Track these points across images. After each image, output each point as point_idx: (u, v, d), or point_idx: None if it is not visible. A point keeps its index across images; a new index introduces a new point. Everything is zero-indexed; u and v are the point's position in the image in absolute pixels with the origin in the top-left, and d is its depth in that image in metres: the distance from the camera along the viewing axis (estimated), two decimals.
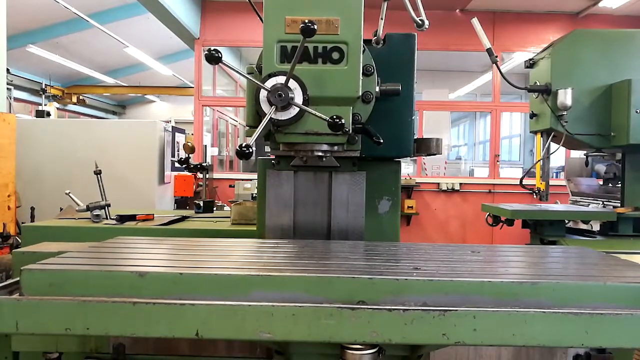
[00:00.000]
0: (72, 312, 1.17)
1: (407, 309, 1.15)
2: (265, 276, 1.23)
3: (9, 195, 5.50)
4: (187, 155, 5.40)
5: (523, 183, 3.94)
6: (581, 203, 6.51)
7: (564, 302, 1.20)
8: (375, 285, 1.22)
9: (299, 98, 1.64)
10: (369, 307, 1.16)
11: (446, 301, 1.20)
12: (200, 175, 6.90)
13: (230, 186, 7.68)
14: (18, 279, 1.27)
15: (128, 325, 1.17)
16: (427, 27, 1.89)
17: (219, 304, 1.17)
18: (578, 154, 7.86)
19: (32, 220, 5.93)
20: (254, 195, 5.53)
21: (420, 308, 1.16)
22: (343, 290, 1.22)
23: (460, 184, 9.04)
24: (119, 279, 1.24)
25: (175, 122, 15.34)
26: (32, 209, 6.11)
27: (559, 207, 4.46)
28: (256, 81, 1.66)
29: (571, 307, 1.19)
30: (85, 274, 1.25)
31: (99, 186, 3.46)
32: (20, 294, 1.24)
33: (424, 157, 8.66)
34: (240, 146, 1.49)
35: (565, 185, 7.56)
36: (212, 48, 1.60)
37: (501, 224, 3.95)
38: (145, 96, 21.20)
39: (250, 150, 1.50)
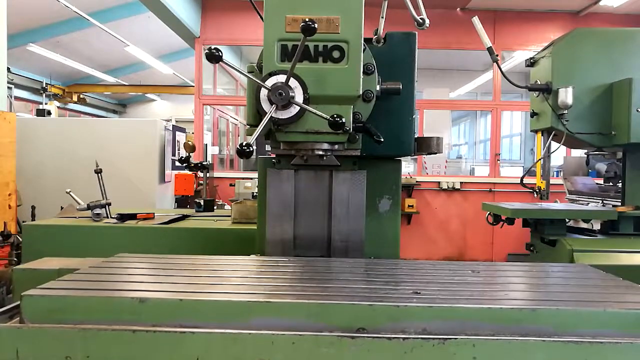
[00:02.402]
0: (72, 340, 1.17)
1: (407, 337, 1.15)
2: (265, 303, 1.23)
3: (9, 194, 5.50)
4: (187, 154, 5.41)
5: (524, 182, 3.93)
6: (581, 202, 6.51)
7: (564, 329, 1.21)
8: (376, 311, 1.22)
9: (299, 97, 1.64)
10: (368, 335, 1.17)
11: (446, 327, 1.20)
12: (200, 174, 6.90)
13: (230, 185, 7.68)
14: (18, 302, 1.27)
15: (128, 353, 1.17)
16: (427, 25, 1.89)
17: (219, 332, 1.17)
18: (579, 153, 7.85)
19: (33, 219, 5.92)
20: (255, 194, 5.53)
21: (419, 336, 1.16)
22: (343, 317, 1.22)
23: (461, 182, 9.03)
24: (119, 305, 1.24)
25: (176, 121, 15.34)
26: (33, 207, 6.11)
27: (559, 206, 4.45)
28: (257, 80, 1.66)
29: (571, 334, 1.19)
30: (86, 300, 1.25)
31: (100, 185, 3.46)
32: (20, 319, 1.24)
33: (425, 156, 8.65)
34: (241, 145, 1.49)
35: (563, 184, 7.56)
36: (213, 47, 1.61)
37: (502, 223, 3.95)
38: (146, 95, 21.20)
39: (251, 149, 1.50)
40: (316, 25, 1.51)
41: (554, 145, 3.74)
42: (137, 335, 1.17)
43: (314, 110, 1.62)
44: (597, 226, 3.97)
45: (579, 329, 1.21)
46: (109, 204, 3.44)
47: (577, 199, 6.53)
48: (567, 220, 3.72)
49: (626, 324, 1.21)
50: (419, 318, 1.21)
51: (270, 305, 1.23)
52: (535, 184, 3.77)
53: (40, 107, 11.95)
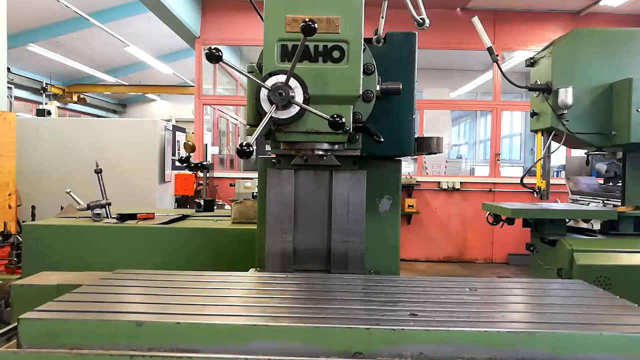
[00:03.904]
0: None
1: None
2: (263, 326, 1.24)
3: (9, 194, 5.50)
4: (187, 154, 5.40)
5: (524, 182, 3.93)
6: (582, 202, 6.51)
7: (560, 352, 1.21)
8: (372, 335, 1.22)
9: (299, 97, 1.64)
10: None
11: (443, 351, 1.21)
12: (200, 174, 6.90)
13: (230, 185, 7.69)
14: (16, 324, 1.27)
15: None
16: (427, 25, 1.89)
17: (216, 357, 1.18)
18: (579, 153, 7.86)
19: (33, 219, 5.93)
20: (255, 194, 5.53)
21: None
22: (340, 341, 1.22)
23: (461, 182, 9.04)
24: (115, 328, 1.23)
25: (176, 121, 15.35)
26: (33, 207, 6.11)
27: (559, 206, 4.45)
28: (257, 80, 1.65)
29: (568, 358, 1.20)
30: (82, 324, 1.25)
31: (100, 185, 3.46)
32: (17, 342, 1.24)
33: (425, 156, 8.66)
34: (241, 145, 1.49)
35: (565, 184, 7.57)
36: (213, 47, 1.61)
37: (502, 223, 3.95)
38: (146, 95, 21.21)
39: (251, 149, 1.50)
40: (316, 25, 1.51)
41: (554, 145, 3.74)
42: None
43: (314, 110, 1.62)
44: (597, 226, 3.97)
45: (576, 353, 1.21)
46: (109, 204, 3.44)
47: (579, 199, 6.53)
48: (567, 220, 3.72)
49: (622, 347, 1.22)
50: (416, 342, 1.21)
51: (267, 329, 1.23)
52: (535, 184, 3.77)
53: (40, 107, 11.95)
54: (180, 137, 8.36)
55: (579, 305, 1.53)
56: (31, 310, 1.30)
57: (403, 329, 1.22)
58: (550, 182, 3.83)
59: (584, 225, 4.21)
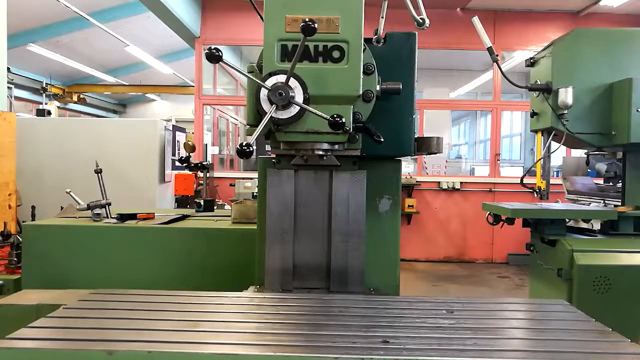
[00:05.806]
0: None
1: None
2: (230, 355, 1.26)
3: (9, 194, 5.50)
4: (187, 154, 5.40)
5: (524, 182, 3.93)
6: (582, 202, 6.51)
7: None
8: None
9: (299, 97, 1.64)
10: None
11: None
12: (200, 174, 6.91)
13: (230, 185, 7.69)
14: None
15: None
16: (427, 25, 1.89)
17: None
18: (579, 153, 7.86)
19: (33, 219, 5.92)
20: (255, 194, 5.52)
21: None
22: None
23: (461, 182, 9.04)
24: (86, 358, 1.25)
25: (176, 121, 15.35)
26: (33, 207, 6.11)
27: (559, 206, 4.45)
28: (257, 80, 1.66)
29: None
30: (53, 354, 1.26)
31: (100, 185, 3.46)
32: None
33: (425, 156, 8.65)
34: (241, 145, 1.49)
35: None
36: (213, 47, 1.61)
37: (502, 223, 3.94)
38: (146, 95, 21.20)
39: (251, 149, 1.50)
40: (316, 25, 1.51)
41: (554, 145, 3.74)
42: None
43: (314, 110, 1.62)
44: (597, 226, 3.97)
45: None
46: (109, 204, 3.44)
47: (579, 198, 6.53)
48: (567, 220, 3.72)
49: None
50: None
51: (234, 358, 1.24)
52: (535, 184, 3.77)
53: (40, 107, 11.94)
54: (180, 137, 8.36)
55: (554, 331, 1.53)
56: (3, 339, 1.30)
57: (372, 358, 1.23)
58: (551, 182, 3.83)
59: (584, 225, 4.21)
